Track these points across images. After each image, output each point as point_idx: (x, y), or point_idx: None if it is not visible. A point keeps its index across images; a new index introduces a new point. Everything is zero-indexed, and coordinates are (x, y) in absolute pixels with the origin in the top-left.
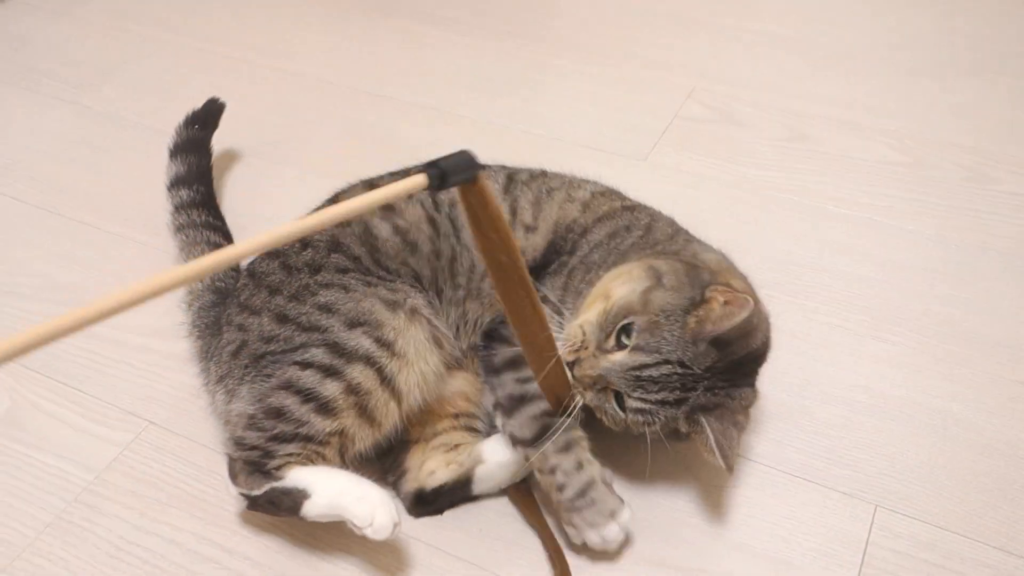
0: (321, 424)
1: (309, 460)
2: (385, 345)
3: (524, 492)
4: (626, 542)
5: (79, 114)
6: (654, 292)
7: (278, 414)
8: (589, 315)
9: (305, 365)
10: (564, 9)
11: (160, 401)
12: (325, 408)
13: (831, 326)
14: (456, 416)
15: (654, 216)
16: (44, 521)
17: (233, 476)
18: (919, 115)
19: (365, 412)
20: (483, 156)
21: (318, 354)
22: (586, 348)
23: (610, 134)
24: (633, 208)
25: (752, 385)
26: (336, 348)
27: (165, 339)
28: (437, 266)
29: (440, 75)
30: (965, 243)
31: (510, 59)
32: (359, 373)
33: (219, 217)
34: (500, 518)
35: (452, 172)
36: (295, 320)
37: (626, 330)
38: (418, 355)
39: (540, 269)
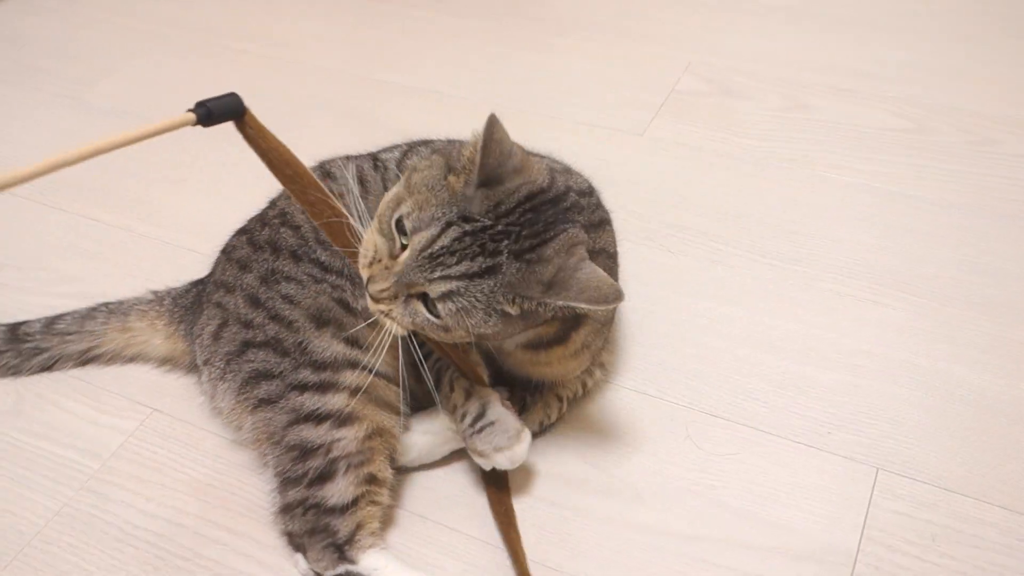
0: (351, 433)
1: (375, 517)
2: (353, 343)
3: (506, 508)
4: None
5: (79, 110)
6: (413, 176)
7: (302, 452)
8: (371, 229)
9: (301, 389)
10: None
11: (163, 389)
12: (345, 418)
13: (833, 292)
14: None
15: None
16: (52, 509)
17: (300, 549)
18: (919, 80)
19: (381, 401)
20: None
21: (306, 375)
22: (379, 261)
23: (607, 111)
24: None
25: (571, 222)
26: (319, 365)
27: None
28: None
29: (436, 57)
30: (967, 206)
31: (507, 40)
32: (351, 377)
33: None
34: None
35: (217, 110)
36: (265, 305)
37: (400, 225)
38: (376, 339)
39: None
